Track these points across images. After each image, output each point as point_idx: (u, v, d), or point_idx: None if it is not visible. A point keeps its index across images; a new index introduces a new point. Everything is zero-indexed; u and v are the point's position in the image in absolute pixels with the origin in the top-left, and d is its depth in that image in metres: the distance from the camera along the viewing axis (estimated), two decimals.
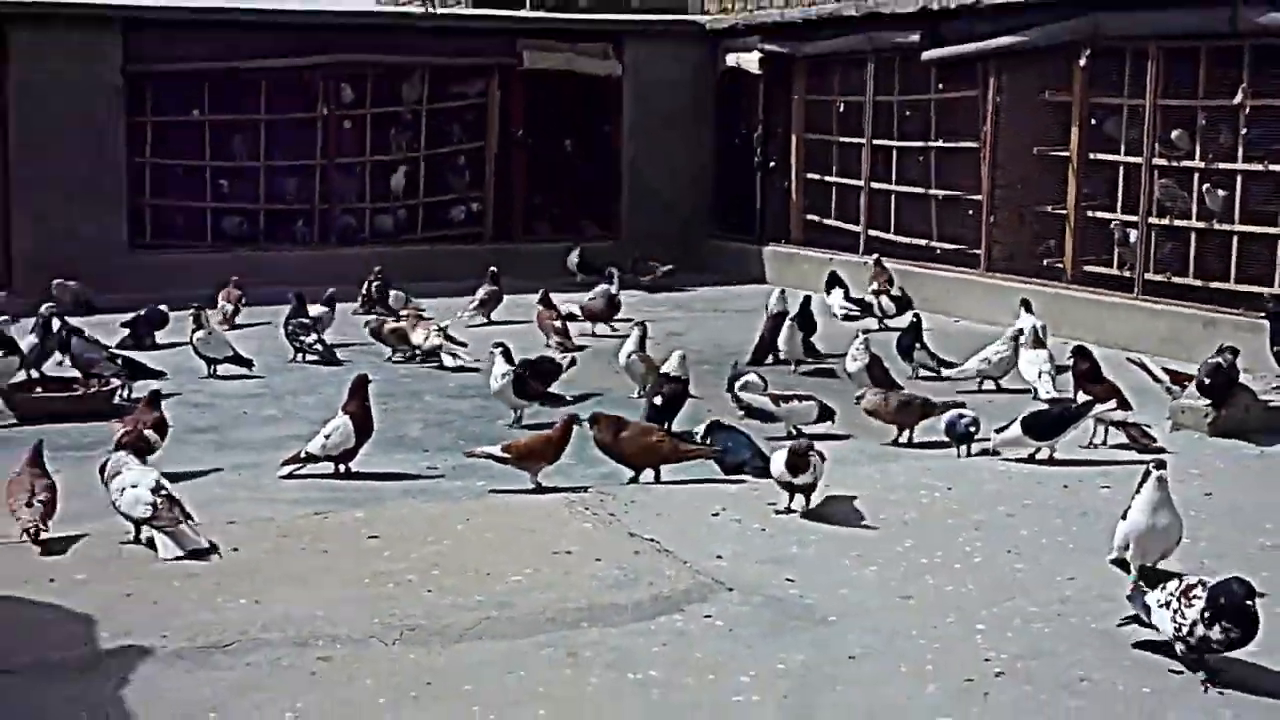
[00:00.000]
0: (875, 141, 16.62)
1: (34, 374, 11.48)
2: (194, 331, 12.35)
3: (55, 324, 11.95)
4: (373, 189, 18.50)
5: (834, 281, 15.30)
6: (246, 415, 10.88)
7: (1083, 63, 13.69)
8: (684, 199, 19.08)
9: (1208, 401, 9.50)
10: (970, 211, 15.25)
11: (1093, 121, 13.91)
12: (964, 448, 9.13)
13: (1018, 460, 8.87)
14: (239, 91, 17.62)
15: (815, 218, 17.79)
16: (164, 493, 7.29)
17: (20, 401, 10.76)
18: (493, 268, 15.61)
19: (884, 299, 14.76)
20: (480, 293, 15.22)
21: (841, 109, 17.14)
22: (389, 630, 6.02)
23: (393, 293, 15.24)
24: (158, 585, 6.62)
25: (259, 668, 5.67)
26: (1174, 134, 13.21)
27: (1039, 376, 11.17)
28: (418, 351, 12.80)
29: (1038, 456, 8.87)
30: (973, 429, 9.10)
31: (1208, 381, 9.52)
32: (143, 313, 13.77)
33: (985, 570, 6.79)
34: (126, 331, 13.49)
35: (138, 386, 11.14)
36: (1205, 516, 7.69)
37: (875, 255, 15.78)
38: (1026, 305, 12.78)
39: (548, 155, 19.29)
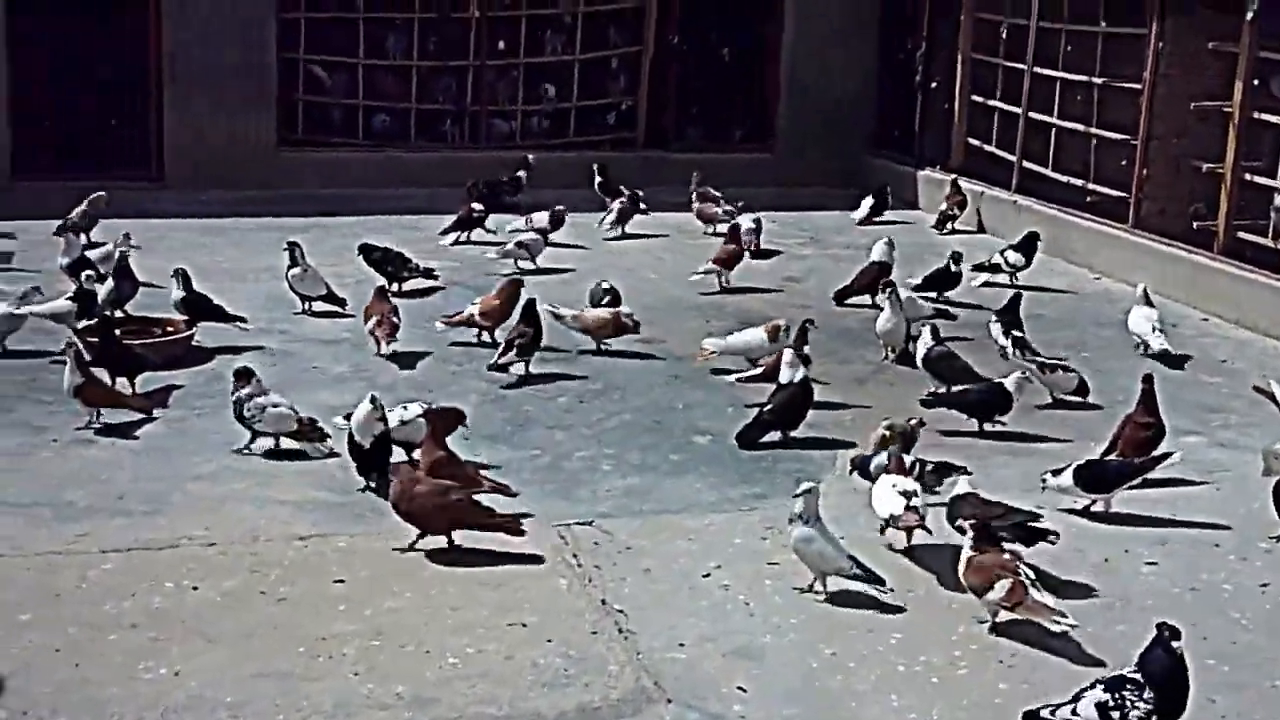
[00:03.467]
0: (1037, 70, 15.55)
1: (116, 314, 11.37)
2: (289, 268, 12.16)
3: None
4: (525, 92, 18.08)
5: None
6: (315, 370, 10.66)
7: (1250, 16, 12.51)
8: (844, 113, 18.18)
9: None
10: (1124, 161, 14.21)
11: (1255, 82, 12.74)
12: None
13: (1070, 511, 8.17)
14: None
15: (977, 143, 16.82)
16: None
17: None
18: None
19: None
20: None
21: (1005, 34, 16.06)
22: None
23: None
24: (94, 636, 6.43)
25: None
26: None
27: (1151, 331, 11.22)
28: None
29: (1092, 509, 8.17)
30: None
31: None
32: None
33: (955, 694, 6.18)
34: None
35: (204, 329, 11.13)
36: (1248, 620, 6.97)
37: (954, 176, 16.14)
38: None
39: (704, 63, 18.60)
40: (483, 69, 17.75)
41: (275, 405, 8.77)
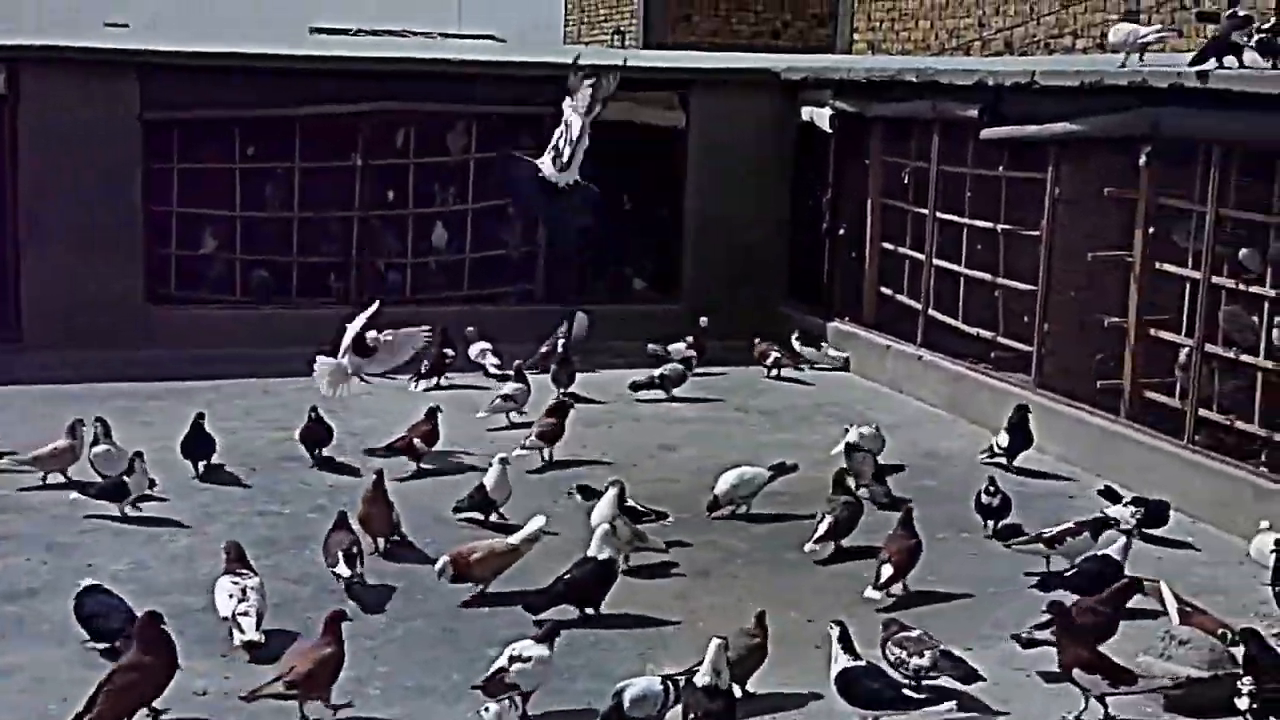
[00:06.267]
0: (941, 215, 14.56)
1: None
2: (91, 444, 11.06)
3: None
4: (415, 243, 17.10)
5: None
6: (89, 569, 9.34)
7: (1143, 161, 11.52)
8: (754, 264, 17.13)
9: None
10: (1025, 318, 13.14)
11: (1150, 230, 11.68)
12: None
13: None
14: (270, 137, 16.42)
15: (889, 292, 15.76)
16: None
17: None
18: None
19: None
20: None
21: (907, 179, 15.11)
22: None
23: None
24: None
25: None
26: (1242, 253, 11.02)
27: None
28: None
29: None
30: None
31: None
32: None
33: None
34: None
35: None
36: None
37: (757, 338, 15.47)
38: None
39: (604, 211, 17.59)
40: (368, 219, 16.75)
41: None
